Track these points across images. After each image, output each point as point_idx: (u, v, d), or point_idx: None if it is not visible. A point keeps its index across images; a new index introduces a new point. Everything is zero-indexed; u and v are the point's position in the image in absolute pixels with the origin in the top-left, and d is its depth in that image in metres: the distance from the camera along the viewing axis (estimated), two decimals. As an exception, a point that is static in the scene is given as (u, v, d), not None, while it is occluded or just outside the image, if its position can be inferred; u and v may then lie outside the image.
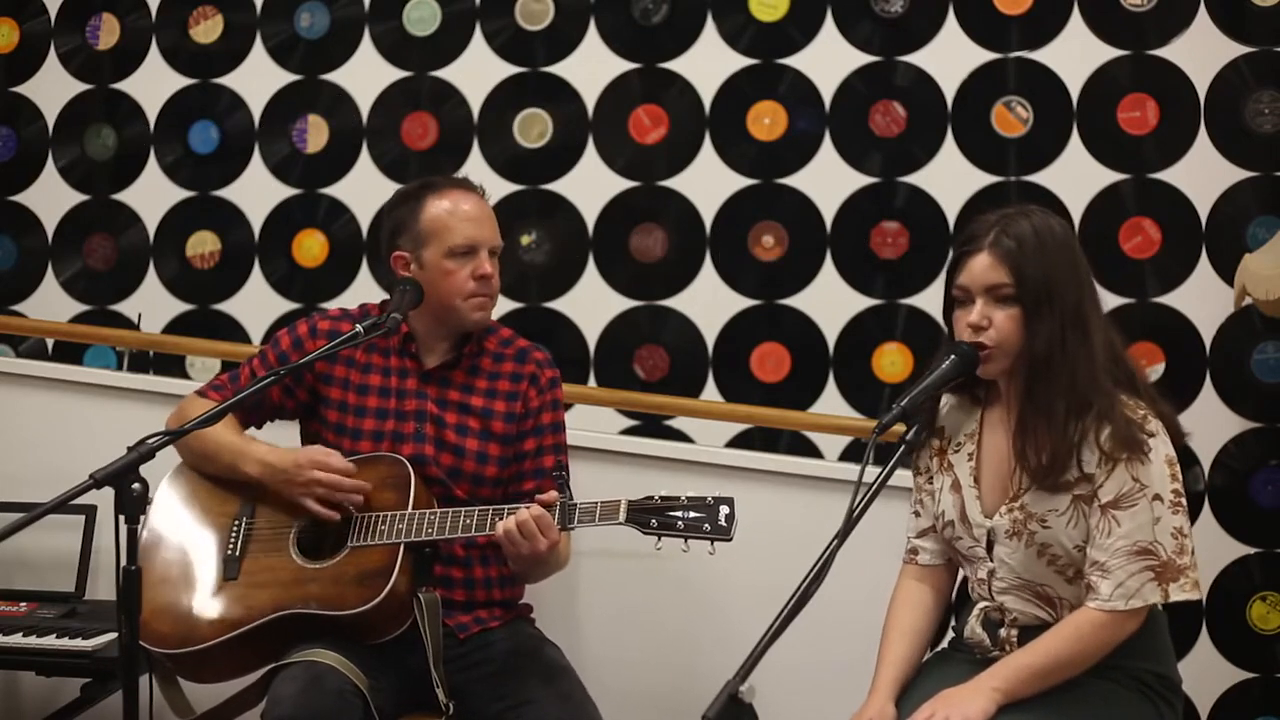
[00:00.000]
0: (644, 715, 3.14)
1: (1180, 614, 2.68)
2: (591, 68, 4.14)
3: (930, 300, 3.91)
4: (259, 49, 4.33)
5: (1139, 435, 2.34)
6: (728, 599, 3.20)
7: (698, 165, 4.09)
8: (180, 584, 2.78)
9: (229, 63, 4.35)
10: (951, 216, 3.96)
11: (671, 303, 4.11)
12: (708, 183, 4.09)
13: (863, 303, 4.01)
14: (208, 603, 2.75)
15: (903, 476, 2.54)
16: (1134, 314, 3.83)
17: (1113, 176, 3.88)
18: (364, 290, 4.21)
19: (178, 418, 2.90)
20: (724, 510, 2.58)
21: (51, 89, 4.45)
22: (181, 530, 2.85)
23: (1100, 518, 2.35)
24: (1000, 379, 2.47)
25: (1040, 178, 3.91)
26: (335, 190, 4.29)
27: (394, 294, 2.86)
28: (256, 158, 4.33)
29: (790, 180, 4.05)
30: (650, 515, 2.60)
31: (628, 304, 4.13)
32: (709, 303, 4.09)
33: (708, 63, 4.09)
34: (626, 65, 4.14)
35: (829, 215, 4.03)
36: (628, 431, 4.01)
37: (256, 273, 4.33)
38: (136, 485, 2.28)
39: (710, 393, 4.07)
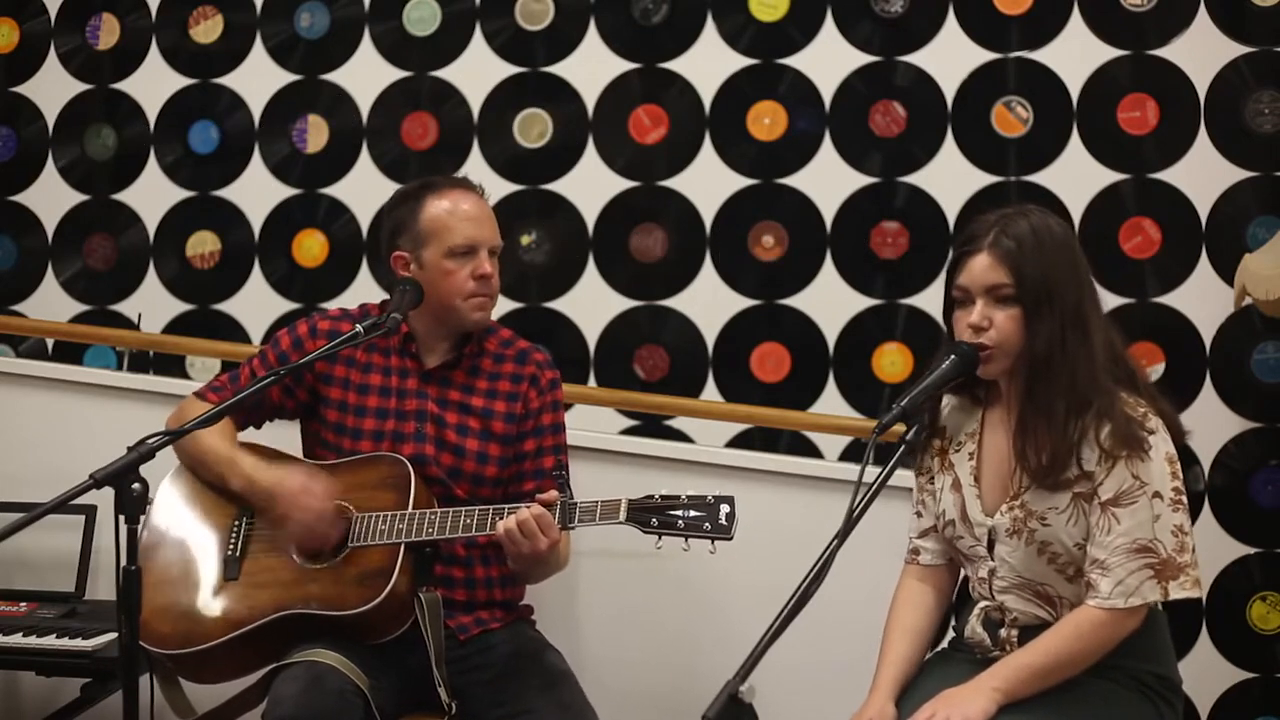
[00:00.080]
0: (644, 715, 3.14)
1: (1180, 614, 2.68)
2: (591, 68, 4.14)
3: (930, 300, 3.91)
4: (259, 49, 4.34)
5: (1139, 433, 2.34)
6: (728, 599, 3.19)
7: (698, 165, 4.09)
8: (181, 584, 2.78)
9: (229, 63, 4.35)
10: (951, 216, 3.96)
11: (671, 303, 4.11)
12: (708, 183, 4.09)
13: (863, 303, 4.01)
14: (208, 603, 2.75)
15: (903, 476, 2.54)
16: (1134, 314, 3.83)
17: (1113, 176, 3.88)
18: (364, 290, 4.21)
19: (177, 420, 2.90)
20: (724, 509, 2.58)
21: (51, 89, 4.45)
22: (182, 530, 2.85)
23: (1100, 515, 2.35)
24: (1001, 379, 2.47)
25: (1040, 178, 3.91)
26: (335, 190, 4.29)
27: (394, 294, 2.85)
28: (256, 158, 4.33)
29: (790, 180, 4.05)
30: (650, 514, 2.60)
31: (628, 304, 4.13)
32: (709, 303, 4.09)
33: (708, 63, 4.09)
34: (626, 65, 4.14)
35: (829, 215, 4.03)
36: (628, 431, 4.01)
37: (256, 273, 4.33)
38: (136, 485, 2.28)
39: (710, 393, 4.07)
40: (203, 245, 4.37)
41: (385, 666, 2.72)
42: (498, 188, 4.12)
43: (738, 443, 3.98)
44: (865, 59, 4.01)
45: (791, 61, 4.05)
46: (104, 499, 2.35)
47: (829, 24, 4.03)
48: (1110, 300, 3.75)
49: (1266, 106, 3.79)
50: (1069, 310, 2.38)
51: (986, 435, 2.51)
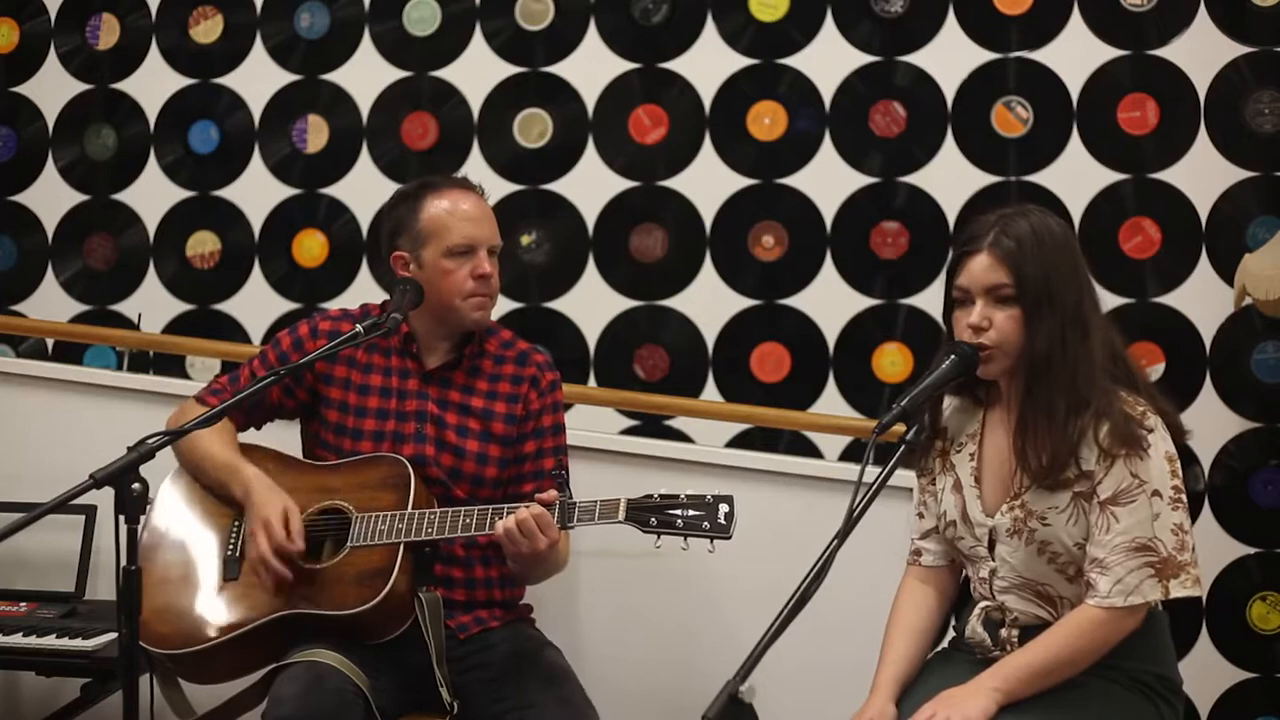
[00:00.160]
0: (644, 715, 3.14)
1: (1180, 614, 2.68)
2: (591, 68, 4.15)
3: (930, 300, 3.91)
4: (259, 49, 4.34)
5: (1137, 431, 2.34)
6: (728, 599, 3.19)
7: (698, 165, 4.09)
8: (180, 584, 2.78)
9: (229, 63, 4.36)
10: (951, 216, 3.96)
11: (671, 303, 4.11)
12: (708, 183, 4.09)
13: (863, 303, 4.01)
14: (208, 603, 2.75)
15: (903, 476, 2.54)
16: (1134, 314, 3.83)
17: (1113, 176, 3.88)
18: (364, 290, 4.21)
19: (177, 423, 2.89)
20: (723, 508, 2.58)
21: (51, 89, 4.45)
22: (182, 530, 2.85)
23: (1099, 514, 2.35)
24: (1001, 379, 2.47)
25: (1040, 178, 3.91)
26: (335, 190, 4.29)
27: (394, 294, 2.85)
28: (256, 158, 4.33)
29: (790, 180, 4.05)
30: (649, 513, 2.60)
31: (628, 304, 4.13)
32: (709, 303, 4.09)
33: (708, 63, 4.09)
34: (626, 65, 4.14)
35: (829, 215, 4.03)
36: (628, 431, 4.01)
37: (256, 273, 4.33)
38: (136, 485, 2.28)
39: (710, 393, 4.08)
40: (203, 245, 4.37)
41: (385, 666, 2.72)
42: (498, 188, 4.12)
43: (738, 443, 3.98)
44: (865, 59, 4.01)
45: (791, 61, 4.05)
46: (104, 499, 2.35)
47: (829, 24, 4.03)
48: (1110, 300, 3.76)
49: (1266, 106, 3.79)
50: (1069, 310, 2.38)
51: (987, 436, 2.51)
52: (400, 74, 4.26)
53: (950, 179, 3.96)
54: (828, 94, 4.03)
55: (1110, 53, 3.88)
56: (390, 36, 4.27)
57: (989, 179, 3.94)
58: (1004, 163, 3.94)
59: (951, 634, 2.61)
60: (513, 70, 4.20)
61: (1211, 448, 3.78)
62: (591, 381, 4.12)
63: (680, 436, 4.03)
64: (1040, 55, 3.92)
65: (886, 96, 4.01)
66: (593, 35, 4.16)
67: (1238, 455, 3.79)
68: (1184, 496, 2.36)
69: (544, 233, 4.18)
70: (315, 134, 4.31)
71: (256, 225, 4.33)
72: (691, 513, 2.58)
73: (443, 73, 4.23)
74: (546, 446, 2.93)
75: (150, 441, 2.35)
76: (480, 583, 2.87)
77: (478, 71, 4.21)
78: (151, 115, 4.39)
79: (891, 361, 4.01)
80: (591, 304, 4.14)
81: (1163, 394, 2.46)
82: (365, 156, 4.27)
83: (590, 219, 4.15)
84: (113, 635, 3.08)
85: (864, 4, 4.01)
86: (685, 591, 3.24)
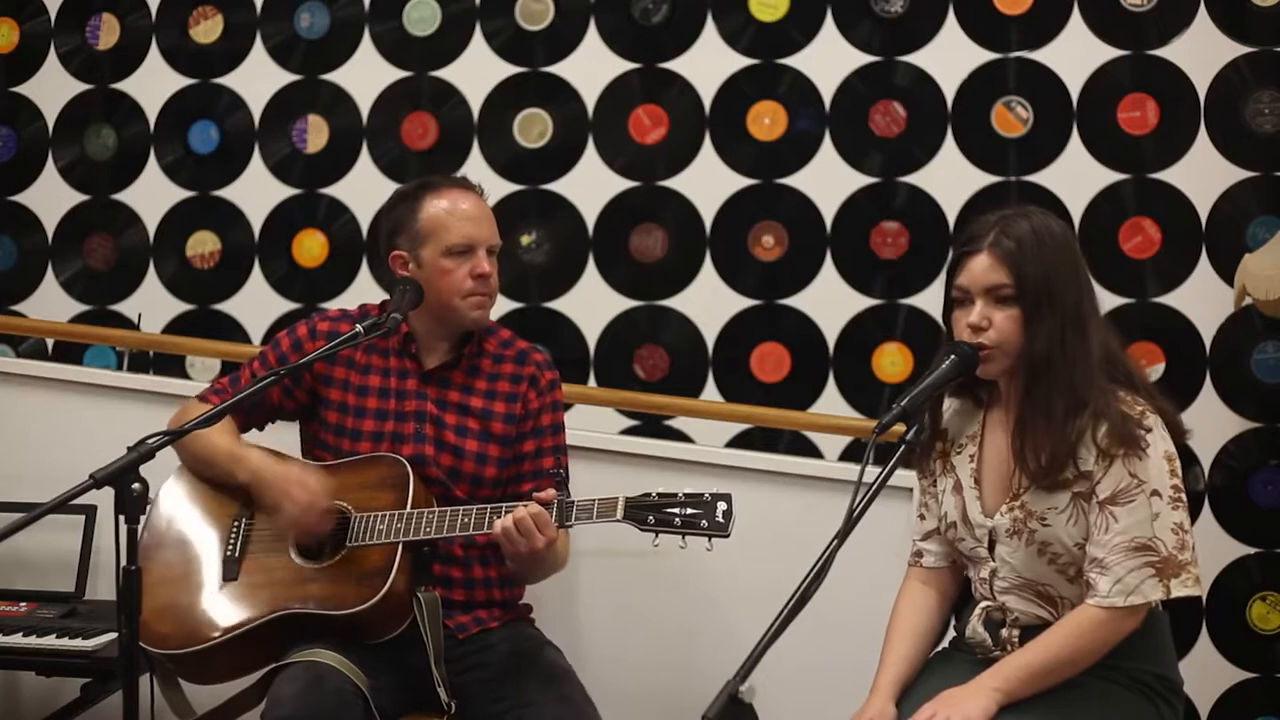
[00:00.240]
0: (644, 715, 3.14)
1: (1180, 614, 2.68)
2: (591, 68, 4.15)
3: (930, 300, 3.91)
4: (259, 49, 4.34)
5: (1135, 431, 2.34)
6: (728, 599, 3.19)
7: (698, 165, 4.09)
8: (180, 585, 2.78)
9: (229, 63, 4.36)
10: (951, 216, 3.96)
11: (671, 303, 4.11)
12: (708, 183, 4.09)
13: (863, 303, 4.01)
14: (207, 603, 2.75)
15: (903, 476, 2.54)
16: (1134, 314, 3.83)
17: (1113, 176, 3.88)
18: (364, 290, 4.21)
19: (178, 423, 2.89)
20: (721, 506, 2.58)
21: (51, 89, 4.45)
22: (181, 531, 2.85)
23: (1098, 514, 2.35)
24: (1000, 380, 2.47)
25: (1040, 178, 3.91)
26: (335, 190, 4.29)
27: (394, 294, 2.85)
28: (256, 158, 4.33)
29: (790, 180, 4.05)
30: (647, 512, 2.60)
31: (628, 304, 4.13)
32: (709, 303, 4.09)
33: (708, 63, 4.09)
34: (626, 65, 4.14)
35: (829, 215, 4.03)
36: (628, 431, 4.01)
37: (256, 273, 4.33)
38: (136, 485, 2.28)
39: (710, 393, 4.08)
40: (203, 245, 4.37)
41: (384, 666, 2.72)
42: (498, 188, 4.12)
43: (738, 443, 3.98)
44: (865, 59, 4.01)
45: (791, 61, 4.05)
46: (104, 499, 2.35)
47: (829, 24, 4.03)
48: (1110, 300, 3.77)
49: (1266, 106, 3.79)
50: (1068, 311, 2.38)
51: (987, 437, 2.51)
52: (400, 74, 4.26)
53: (950, 179, 3.96)
54: (828, 94, 4.03)
55: (1110, 53, 3.88)
56: (390, 36, 4.27)
57: (989, 179, 3.94)
58: (1004, 163, 3.94)
59: (952, 634, 2.61)
60: (513, 70, 4.20)
61: (1211, 448, 3.78)
62: (591, 381, 4.12)
63: (680, 436, 4.03)
64: (1040, 55, 3.92)
65: (886, 96, 4.01)
66: (593, 35, 4.16)
67: (1238, 455, 3.79)
68: (1184, 496, 2.36)
69: (544, 233, 4.18)
70: (315, 134, 4.31)
71: (256, 225, 4.33)
72: (689, 511, 2.58)
73: (443, 73, 4.23)
74: (545, 446, 2.93)
75: (150, 441, 2.35)
76: (479, 583, 2.87)
77: (478, 71, 4.21)
78: (151, 115, 4.39)
79: (891, 361, 4.01)
80: (591, 304, 4.14)
81: (1163, 394, 2.46)
82: (365, 156, 4.27)
83: (590, 219, 4.15)
84: (113, 635, 3.08)
85: (864, 4, 4.01)
86: (685, 591, 3.24)
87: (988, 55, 3.95)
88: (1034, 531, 2.40)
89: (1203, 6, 3.81)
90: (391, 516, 2.72)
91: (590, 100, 4.15)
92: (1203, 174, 3.82)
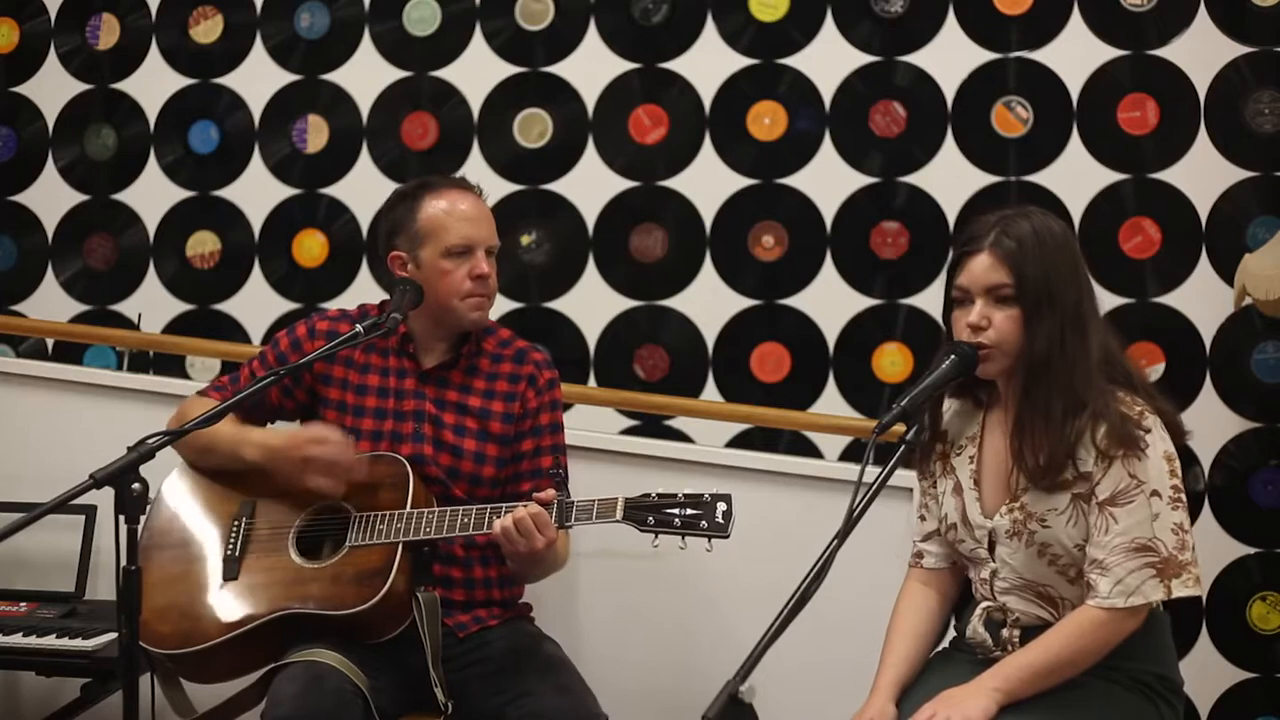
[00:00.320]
0: (644, 714, 3.14)
1: (1180, 614, 2.68)
2: (591, 68, 4.15)
3: (930, 300, 3.91)
4: (259, 49, 4.34)
5: (1134, 431, 2.34)
6: (728, 599, 3.19)
7: (698, 165, 4.09)
8: (180, 584, 2.78)
9: (229, 63, 4.36)
10: (951, 216, 3.96)
11: (671, 303, 4.11)
12: (708, 183, 4.09)
13: (863, 303, 4.01)
14: (207, 603, 2.75)
15: (903, 476, 2.54)
16: (1134, 314, 3.83)
17: (1113, 176, 3.88)
18: (364, 290, 4.21)
19: (178, 418, 2.91)
20: (721, 507, 2.58)
21: (51, 89, 4.45)
22: (181, 531, 2.85)
23: (1098, 515, 2.35)
24: (999, 380, 2.47)
25: (1040, 178, 3.91)
26: (335, 190, 4.29)
27: (394, 294, 2.85)
28: (256, 158, 4.33)
29: (790, 180, 4.05)
30: (647, 512, 2.60)
31: (628, 304, 4.13)
32: (709, 303, 4.09)
33: (708, 63, 4.09)
34: (626, 65, 4.14)
35: (829, 215, 4.03)
36: (628, 431, 4.01)
37: (256, 273, 4.33)
38: (136, 485, 2.28)
39: (710, 393, 4.08)
40: (203, 245, 4.37)
41: (384, 666, 2.72)
42: (498, 188, 4.12)
43: (738, 443, 3.98)
44: (865, 59, 4.01)
45: (791, 61, 4.05)
46: (104, 499, 2.35)
47: (829, 24, 4.03)
48: (1110, 300, 3.77)
49: (1266, 106, 3.79)
50: (1068, 311, 2.38)
51: (986, 438, 2.51)
52: (400, 74, 4.26)
53: (950, 179, 3.96)
54: (828, 94, 4.03)
55: (1110, 53, 3.88)
56: (390, 36, 4.27)
57: (989, 179, 3.94)
58: (1004, 163, 3.94)
59: (952, 634, 2.61)
60: (513, 70, 4.20)
61: (1211, 448, 3.78)
62: (591, 381, 4.12)
63: (680, 436, 4.03)
64: (1040, 55, 3.92)
65: (886, 96, 4.01)
66: (593, 35, 4.16)
67: (1238, 455, 3.79)
68: (1183, 496, 2.36)
69: (544, 233, 4.18)
70: (315, 134, 4.31)
71: (256, 225, 4.33)
72: (689, 512, 2.58)
73: (443, 73, 4.23)
74: (544, 445, 2.93)
75: (150, 441, 2.35)
76: (479, 582, 2.87)
77: (478, 71, 4.21)
78: (151, 115, 4.39)
79: (891, 361, 4.01)
80: (591, 304, 4.14)
81: (1162, 394, 2.46)
82: (365, 156, 4.27)
83: (590, 219, 4.15)
84: (113, 635, 3.08)
85: (864, 4, 4.01)
86: (685, 591, 3.24)
87: (988, 55, 3.95)
88: (1034, 533, 2.40)
89: (1203, 6, 3.81)
90: (391, 516, 2.73)
91: (590, 100, 4.15)
92: (1203, 174, 3.82)
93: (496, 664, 2.80)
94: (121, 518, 2.28)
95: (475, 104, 4.21)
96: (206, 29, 4.37)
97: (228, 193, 4.35)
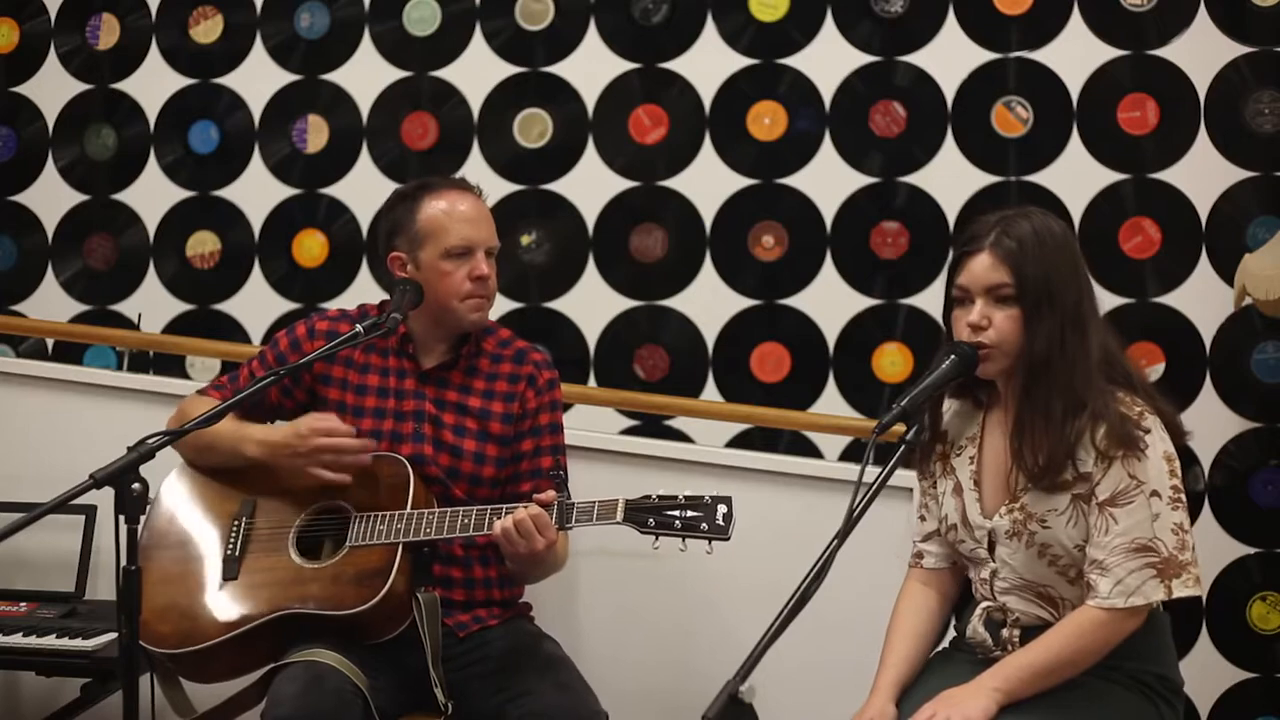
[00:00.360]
0: (644, 715, 3.14)
1: (1180, 614, 2.68)
2: (591, 68, 4.15)
3: (930, 300, 3.91)
4: (259, 49, 4.34)
5: (1134, 432, 2.34)
6: (728, 599, 3.19)
7: (698, 165, 4.09)
8: (180, 584, 2.78)
9: (229, 63, 4.36)
10: (951, 216, 3.96)
11: (671, 303, 4.11)
12: (708, 183, 4.09)
13: (863, 303, 4.01)
14: (207, 603, 2.75)
15: (903, 476, 2.54)
16: (1134, 314, 3.83)
17: (1113, 176, 3.88)
18: (364, 290, 4.21)
19: (178, 418, 2.91)
20: (721, 509, 2.58)
21: (51, 89, 4.45)
22: (181, 531, 2.85)
23: (1098, 516, 2.35)
24: (999, 380, 2.47)
25: (1040, 178, 3.91)
26: (335, 190, 4.29)
27: (394, 294, 2.85)
28: (256, 158, 4.33)
29: (790, 180, 4.05)
30: (647, 514, 2.60)
31: (628, 304, 4.13)
32: (709, 303, 4.09)
33: (708, 63, 4.09)
34: (626, 65, 4.14)
35: (829, 215, 4.03)
36: (628, 431, 4.01)
37: (256, 273, 4.33)
38: (136, 485, 2.28)
39: (710, 393, 4.07)
40: (203, 245, 4.37)
41: (384, 666, 2.72)
42: (498, 188, 4.12)
43: (738, 443, 3.98)
44: (865, 59, 4.01)
45: (791, 61, 4.05)
46: (104, 499, 2.35)
47: (829, 24, 4.03)
48: (1110, 300, 3.77)
49: (1266, 106, 3.79)
50: (1068, 311, 2.38)
51: (986, 438, 2.51)
52: (400, 74, 4.26)
53: (950, 179, 3.96)
54: (828, 94, 4.03)
55: (1110, 53, 3.88)
56: (390, 36, 4.27)
57: (989, 179, 3.94)
58: (1004, 163, 3.94)
59: (952, 634, 2.61)
60: (513, 70, 4.20)
61: (1211, 448, 3.78)
62: (591, 381, 4.12)
63: (680, 436, 4.03)
64: (1040, 55, 3.92)
65: (886, 96, 4.01)
66: (593, 35, 4.16)
67: (1238, 455, 3.79)
68: (1183, 496, 2.36)
69: (544, 233, 4.18)
70: (315, 134, 4.31)
71: (256, 225, 4.33)
72: (689, 514, 2.58)
73: (443, 73, 4.23)
74: (544, 445, 2.92)
75: (150, 441, 2.35)
76: (479, 582, 2.87)
77: (478, 71, 4.21)
78: (151, 115, 4.39)
79: (891, 361, 4.01)
80: (591, 304, 4.14)
81: (1162, 394, 2.46)
82: (365, 156, 4.27)
83: (590, 219, 4.15)
84: (113, 635, 3.08)
85: (864, 4, 4.01)
86: (685, 591, 3.24)
87: (988, 55, 3.95)
88: (1034, 533, 2.40)
89: (1203, 6, 3.81)
90: (392, 517, 2.73)
91: (590, 100, 4.15)
92: (1203, 174, 3.82)
93: (496, 663, 2.80)
94: (121, 518, 2.28)
95: (475, 104, 4.21)
96: (206, 29, 4.37)
97: (228, 193, 4.35)
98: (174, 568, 2.80)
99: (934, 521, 2.57)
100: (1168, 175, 3.85)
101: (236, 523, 2.83)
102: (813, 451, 3.95)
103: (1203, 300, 3.81)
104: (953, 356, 2.40)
